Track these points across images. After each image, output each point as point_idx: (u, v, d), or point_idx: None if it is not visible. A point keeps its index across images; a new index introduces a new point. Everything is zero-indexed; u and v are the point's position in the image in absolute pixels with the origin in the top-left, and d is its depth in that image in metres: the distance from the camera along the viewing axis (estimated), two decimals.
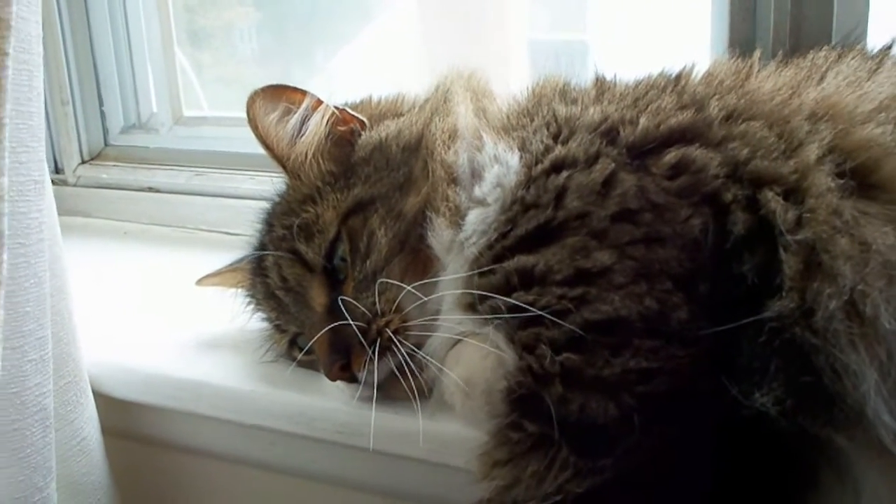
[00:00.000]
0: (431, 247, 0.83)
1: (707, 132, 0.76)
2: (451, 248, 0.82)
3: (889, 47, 0.86)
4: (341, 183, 0.88)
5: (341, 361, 0.84)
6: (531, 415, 0.71)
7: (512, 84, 0.94)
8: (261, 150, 1.42)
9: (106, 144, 1.61)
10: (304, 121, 0.90)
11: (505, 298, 0.74)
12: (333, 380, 0.87)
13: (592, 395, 0.69)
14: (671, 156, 0.75)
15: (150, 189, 1.52)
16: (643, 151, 0.76)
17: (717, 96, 0.79)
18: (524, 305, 0.72)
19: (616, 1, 1.67)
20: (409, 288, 0.82)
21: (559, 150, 0.77)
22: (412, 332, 0.84)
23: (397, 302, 0.83)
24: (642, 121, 0.78)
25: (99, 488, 1.02)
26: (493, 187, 0.80)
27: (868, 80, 0.77)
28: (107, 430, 1.06)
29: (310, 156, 0.91)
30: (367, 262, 0.84)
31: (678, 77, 0.85)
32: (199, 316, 1.14)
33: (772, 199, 0.70)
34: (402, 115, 0.95)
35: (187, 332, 1.12)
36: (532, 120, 0.84)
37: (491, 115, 0.88)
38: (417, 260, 0.84)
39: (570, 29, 1.82)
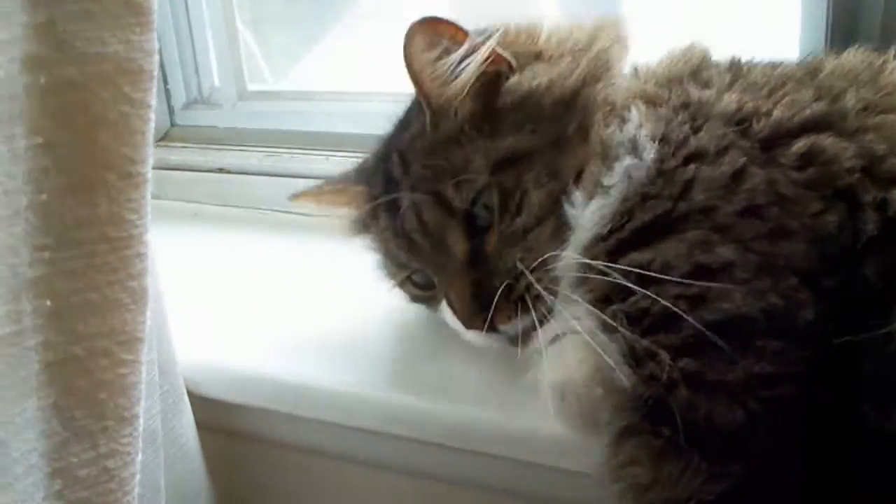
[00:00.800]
0: (567, 217, 0.82)
1: (842, 122, 0.73)
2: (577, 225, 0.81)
3: None
4: (488, 128, 0.86)
5: (485, 314, 0.84)
6: (658, 421, 0.69)
7: None
8: (333, 130, 1.43)
9: (172, 125, 1.58)
10: (461, 61, 0.86)
11: (619, 306, 0.72)
12: (470, 328, 0.88)
13: (718, 401, 0.66)
14: (801, 144, 0.72)
15: (221, 170, 1.49)
16: (774, 143, 0.73)
17: (853, 88, 0.76)
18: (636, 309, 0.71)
19: None
20: (557, 253, 0.81)
21: (692, 142, 0.74)
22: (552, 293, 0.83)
23: (544, 262, 0.82)
24: (776, 112, 0.74)
25: (199, 491, 1.03)
26: (622, 178, 0.77)
27: None
28: (201, 426, 1.05)
29: (461, 97, 0.87)
30: (518, 219, 0.84)
31: (813, 69, 0.81)
32: (285, 305, 1.13)
33: None
34: (541, 54, 0.91)
35: (275, 325, 1.10)
36: (668, 98, 0.81)
37: (638, 80, 0.86)
38: (561, 224, 0.83)
39: None
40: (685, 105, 0.78)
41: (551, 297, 0.82)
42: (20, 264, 0.65)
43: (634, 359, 0.71)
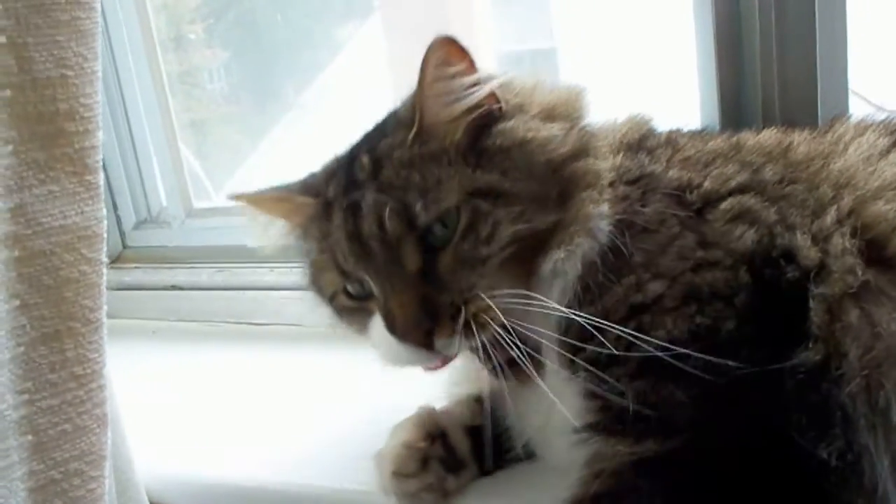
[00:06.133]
0: (539, 269, 0.91)
1: (762, 191, 0.89)
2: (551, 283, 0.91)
3: None
4: (473, 160, 0.93)
5: (427, 326, 0.89)
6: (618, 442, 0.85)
7: None
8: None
9: (124, 247, 1.78)
10: (467, 89, 0.94)
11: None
12: (405, 341, 0.91)
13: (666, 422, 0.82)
14: (727, 203, 0.89)
15: (174, 287, 1.68)
16: (705, 209, 0.90)
17: (770, 163, 0.93)
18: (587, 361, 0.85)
19: (582, 8, 1.82)
20: (514, 291, 0.89)
21: (639, 220, 0.89)
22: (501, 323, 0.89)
23: (497, 294, 0.89)
24: (706, 184, 0.91)
25: None
26: (581, 257, 0.90)
27: (882, 158, 0.90)
28: None
29: (452, 121, 0.94)
30: (481, 247, 0.90)
31: (737, 145, 0.98)
32: (243, 413, 1.29)
33: (803, 250, 0.84)
34: (524, 108, 0.99)
35: (234, 433, 1.25)
36: (627, 170, 0.95)
37: (609, 154, 0.98)
38: (523, 270, 0.91)
39: (537, 38, 1.98)
40: (638, 178, 0.93)
41: (497, 329, 0.88)
42: (7, 408, 0.84)
43: (596, 395, 0.86)
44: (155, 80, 1.76)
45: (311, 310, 1.08)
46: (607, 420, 0.86)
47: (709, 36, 1.22)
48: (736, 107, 1.25)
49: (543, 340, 0.90)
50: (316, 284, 1.04)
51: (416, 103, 0.95)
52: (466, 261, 0.90)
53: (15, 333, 0.83)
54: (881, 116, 1.00)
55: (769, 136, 0.99)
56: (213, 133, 2.23)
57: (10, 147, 0.82)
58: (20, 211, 0.83)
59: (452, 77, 0.93)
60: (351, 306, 0.99)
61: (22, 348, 0.84)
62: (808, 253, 0.84)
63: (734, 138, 1.00)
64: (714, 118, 1.24)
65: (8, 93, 0.82)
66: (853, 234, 0.84)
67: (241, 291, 1.61)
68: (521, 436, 1.01)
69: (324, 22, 2.24)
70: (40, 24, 0.83)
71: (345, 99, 1.92)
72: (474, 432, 1.02)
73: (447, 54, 0.92)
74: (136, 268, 1.74)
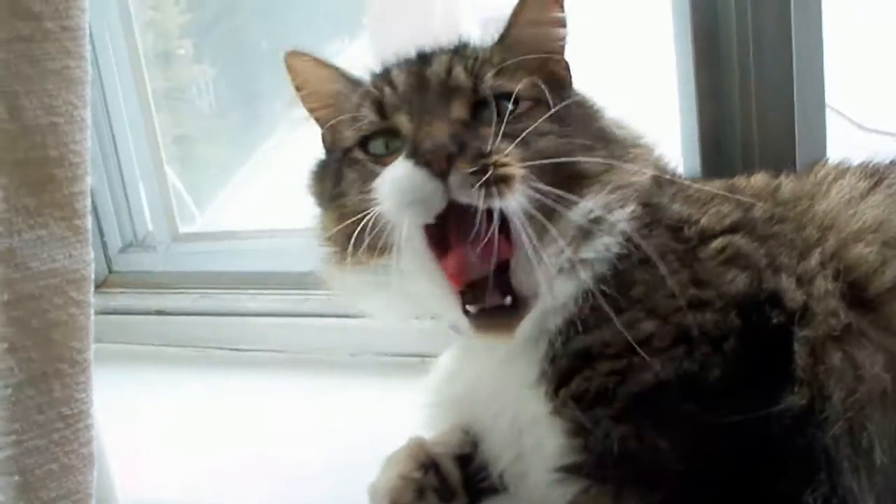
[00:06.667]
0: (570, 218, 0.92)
1: (752, 230, 0.93)
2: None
3: (888, 169, 1.00)
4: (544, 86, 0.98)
5: (452, 150, 0.86)
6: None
7: None
8: (260, 269, 1.65)
9: (110, 272, 1.80)
10: (556, 29, 1.02)
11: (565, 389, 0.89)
12: (424, 162, 0.87)
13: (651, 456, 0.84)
14: (718, 242, 0.92)
15: (159, 312, 1.71)
16: (699, 245, 0.92)
17: (760, 202, 0.97)
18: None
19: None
20: (554, 190, 0.88)
21: (644, 246, 0.90)
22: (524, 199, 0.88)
23: (532, 178, 0.88)
24: (703, 221, 0.94)
25: None
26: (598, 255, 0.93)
27: (862, 200, 0.93)
28: None
29: (536, 52, 1.00)
30: (526, 136, 0.91)
31: (733, 186, 1.02)
32: (228, 439, 1.31)
33: (789, 293, 0.86)
34: None
35: (218, 460, 1.27)
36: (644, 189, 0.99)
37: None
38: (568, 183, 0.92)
39: None
40: (648, 203, 0.97)
41: (518, 203, 0.86)
42: None
43: (578, 434, 0.88)
44: (142, 102, 1.79)
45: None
46: (588, 463, 0.88)
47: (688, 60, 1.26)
48: (716, 141, 1.29)
49: (541, 281, 0.91)
50: (328, 144, 1.07)
51: (509, 22, 1.01)
52: (508, 137, 0.90)
53: (3, 375, 0.85)
54: (858, 161, 1.04)
55: (759, 179, 1.03)
56: (200, 148, 2.25)
57: (0, 193, 0.84)
58: (10, 256, 0.85)
59: (549, 13, 1.01)
60: (363, 160, 0.97)
61: (10, 390, 0.85)
62: (794, 295, 0.86)
63: (730, 182, 1.04)
64: (694, 147, 1.29)
65: None
66: (836, 277, 0.87)
67: (226, 317, 1.63)
68: (496, 462, 1.03)
69: (312, 39, 2.26)
70: (31, 74, 0.85)
71: None
72: (462, 461, 1.05)
73: None
74: (121, 292, 1.76)
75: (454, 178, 0.85)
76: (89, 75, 0.90)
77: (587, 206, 0.92)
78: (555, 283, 0.91)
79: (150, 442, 1.36)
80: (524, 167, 0.87)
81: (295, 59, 1.07)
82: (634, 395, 0.85)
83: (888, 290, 0.85)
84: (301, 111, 1.10)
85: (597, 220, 0.92)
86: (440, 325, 1.03)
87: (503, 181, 0.85)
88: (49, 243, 0.87)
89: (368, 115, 0.98)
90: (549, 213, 0.89)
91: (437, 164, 0.85)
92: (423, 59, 1.03)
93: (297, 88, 1.08)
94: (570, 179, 0.92)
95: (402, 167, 0.88)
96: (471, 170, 0.85)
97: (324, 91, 1.07)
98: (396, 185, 0.88)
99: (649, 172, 0.98)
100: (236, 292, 1.65)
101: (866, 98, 1.64)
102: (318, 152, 1.10)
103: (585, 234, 0.92)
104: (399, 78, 0.99)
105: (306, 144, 1.12)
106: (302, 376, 1.51)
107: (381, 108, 0.97)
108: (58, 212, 0.87)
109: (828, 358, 0.83)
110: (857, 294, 0.86)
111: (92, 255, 0.92)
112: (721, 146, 1.28)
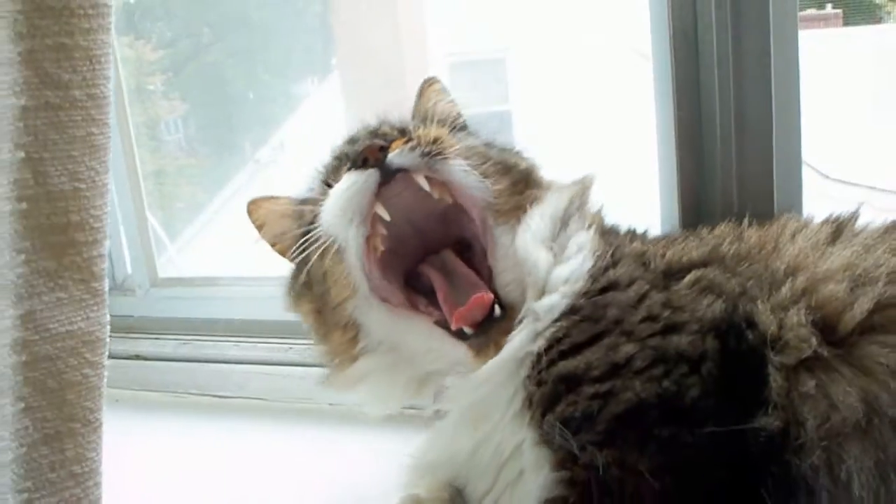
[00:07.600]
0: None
1: (722, 263, 0.99)
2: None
3: (849, 218, 1.07)
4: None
5: (383, 144, 1.01)
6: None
7: None
8: (241, 316, 1.67)
9: None
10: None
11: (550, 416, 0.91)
12: (357, 159, 1.01)
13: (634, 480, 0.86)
14: (691, 276, 0.97)
15: (138, 357, 1.71)
16: (669, 275, 0.98)
17: (727, 242, 1.03)
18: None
19: (536, 72, 1.96)
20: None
21: (610, 274, 0.98)
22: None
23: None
24: (668, 254, 1.01)
25: None
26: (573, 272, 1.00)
27: (828, 245, 0.99)
28: None
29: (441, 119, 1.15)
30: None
31: (694, 233, 1.09)
32: (205, 485, 1.33)
33: (764, 316, 0.91)
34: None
35: None
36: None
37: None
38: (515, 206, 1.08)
39: (493, 101, 2.08)
40: (609, 232, 1.06)
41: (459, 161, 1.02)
42: None
43: (563, 465, 0.90)
44: (124, 144, 1.79)
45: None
46: (574, 497, 0.89)
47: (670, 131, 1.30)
48: (695, 196, 1.33)
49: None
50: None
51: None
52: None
53: (18, 435, 0.88)
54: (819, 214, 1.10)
55: (722, 227, 1.10)
56: (170, 184, 2.26)
57: (22, 256, 0.87)
58: (30, 318, 0.88)
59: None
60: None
61: (24, 449, 0.88)
62: (768, 319, 0.91)
63: (692, 231, 1.11)
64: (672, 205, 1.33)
65: (24, 205, 0.87)
66: (808, 310, 0.90)
67: (205, 364, 1.65)
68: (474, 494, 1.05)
69: (283, 78, 2.31)
70: (57, 140, 0.89)
71: (301, 154, 1.98)
72: None
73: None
74: None
75: (392, 155, 0.99)
76: (111, 141, 0.93)
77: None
78: (534, 288, 1.00)
79: (126, 487, 1.36)
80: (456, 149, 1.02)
81: (254, 205, 1.22)
82: (616, 417, 0.87)
83: (858, 324, 0.89)
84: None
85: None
86: (433, 394, 1.09)
87: (439, 153, 1.00)
88: (68, 305, 0.90)
89: (317, 189, 1.11)
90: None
91: (371, 156, 0.99)
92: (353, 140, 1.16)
93: (258, 228, 1.22)
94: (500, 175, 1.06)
95: (342, 179, 1.01)
96: (408, 146, 0.99)
97: (278, 224, 1.19)
98: (336, 194, 1.01)
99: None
100: (216, 340, 1.66)
101: (832, 151, 1.72)
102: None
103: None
104: (334, 153, 1.14)
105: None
106: (282, 424, 1.52)
107: (325, 182, 1.09)
108: (77, 274, 0.91)
109: (801, 385, 0.86)
110: (830, 331, 0.89)
111: (108, 317, 0.95)
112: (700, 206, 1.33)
